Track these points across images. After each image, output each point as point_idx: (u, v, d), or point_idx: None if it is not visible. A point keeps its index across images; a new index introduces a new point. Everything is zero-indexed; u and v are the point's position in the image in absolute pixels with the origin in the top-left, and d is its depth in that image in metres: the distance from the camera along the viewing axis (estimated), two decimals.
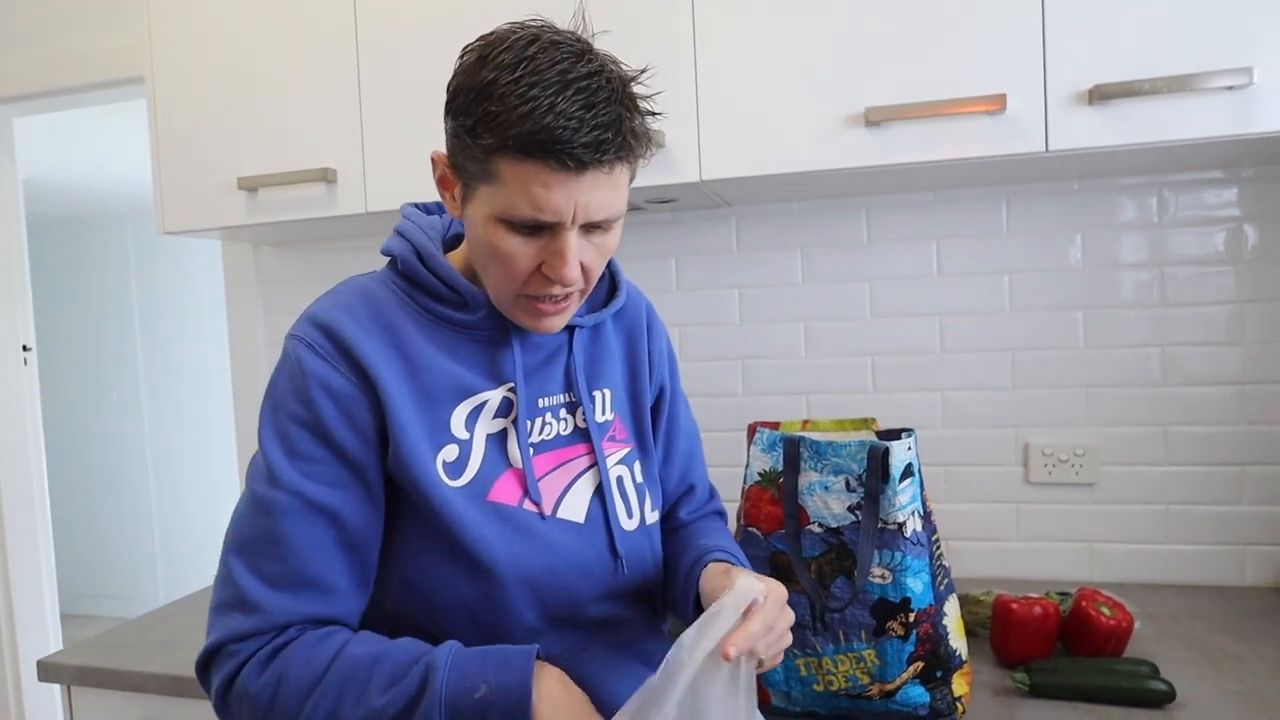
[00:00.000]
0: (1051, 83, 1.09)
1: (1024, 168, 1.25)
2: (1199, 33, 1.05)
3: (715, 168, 1.22)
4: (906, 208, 1.47)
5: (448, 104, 0.70)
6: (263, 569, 0.69)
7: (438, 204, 0.88)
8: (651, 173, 1.24)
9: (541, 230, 0.69)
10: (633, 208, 1.50)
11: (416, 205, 0.86)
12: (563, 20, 0.72)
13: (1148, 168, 1.31)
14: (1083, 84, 1.08)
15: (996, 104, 1.09)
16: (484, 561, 0.72)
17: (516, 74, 0.64)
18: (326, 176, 1.38)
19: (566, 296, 0.74)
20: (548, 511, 0.77)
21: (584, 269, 0.72)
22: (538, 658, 0.68)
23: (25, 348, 2.17)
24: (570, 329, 0.83)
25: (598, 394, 0.85)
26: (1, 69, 1.94)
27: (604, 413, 0.85)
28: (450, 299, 0.77)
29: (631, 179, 0.73)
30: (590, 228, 0.70)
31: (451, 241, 0.85)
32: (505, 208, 0.68)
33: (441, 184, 0.76)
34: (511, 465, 0.77)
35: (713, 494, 1.00)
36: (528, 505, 0.76)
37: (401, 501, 0.74)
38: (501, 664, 0.66)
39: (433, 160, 0.76)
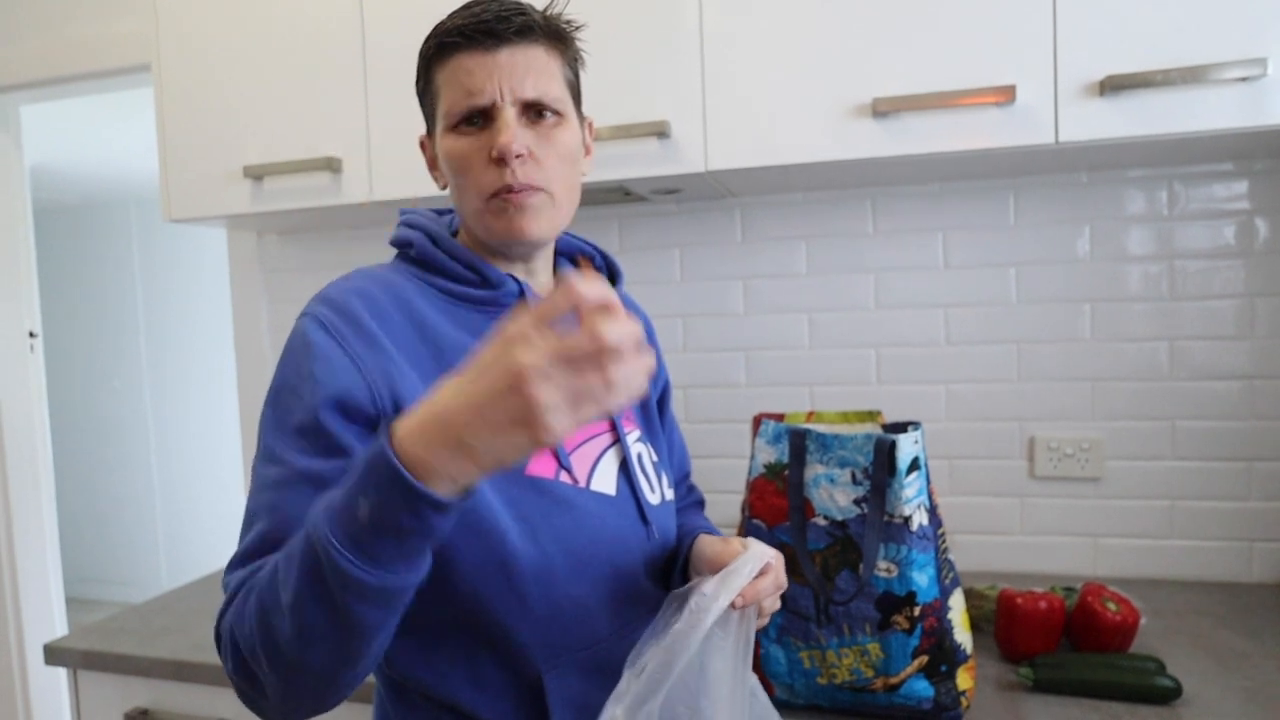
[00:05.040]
0: (1062, 73, 1.08)
1: (1032, 159, 1.24)
2: (1212, 23, 1.03)
3: (721, 158, 1.21)
4: (912, 199, 1.46)
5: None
6: (248, 540, 0.66)
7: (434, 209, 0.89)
8: (657, 162, 1.23)
9: (485, 123, 0.74)
10: (638, 198, 1.49)
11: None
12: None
13: (1157, 160, 1.30)
14: (1094, 74, 1.07)
15: (1006, 95, 1.08)
16: (522, 539, 0.71)
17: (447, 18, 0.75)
18: (331, 165, 1.37)
19: (530, 190, 0.74)
20: (582, 483, 0.77)
21: (537, 161, 0.75)
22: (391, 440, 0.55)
23: (31, 334, 2.18)
24: None
25: None
26: (9, 57, 1.93)
27: None
28: (469, 278, 0.78)
29: (571, 80, 0.79)
30: (533, 115, 0.75)
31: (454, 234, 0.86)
32: (448, 111, 0.75)
33: (430, 165, 0.82)
34: None
35: (693, 485, 1.06)
36: (564, 478, 0.76)
37: None
38: (361, 469, 0.54)
39: (420, 145, 0.82)
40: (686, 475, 1.05)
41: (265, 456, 0.69)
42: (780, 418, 1.04)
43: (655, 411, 0.94)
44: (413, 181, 1.35)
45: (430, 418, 0.52)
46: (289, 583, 0.56)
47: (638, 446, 0.86)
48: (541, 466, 0.75)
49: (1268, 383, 1.33)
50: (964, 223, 1.44)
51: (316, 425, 0.67)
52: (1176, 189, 1.35)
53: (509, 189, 0.73)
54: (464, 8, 0.74)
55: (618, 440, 0.83)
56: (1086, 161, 1.30)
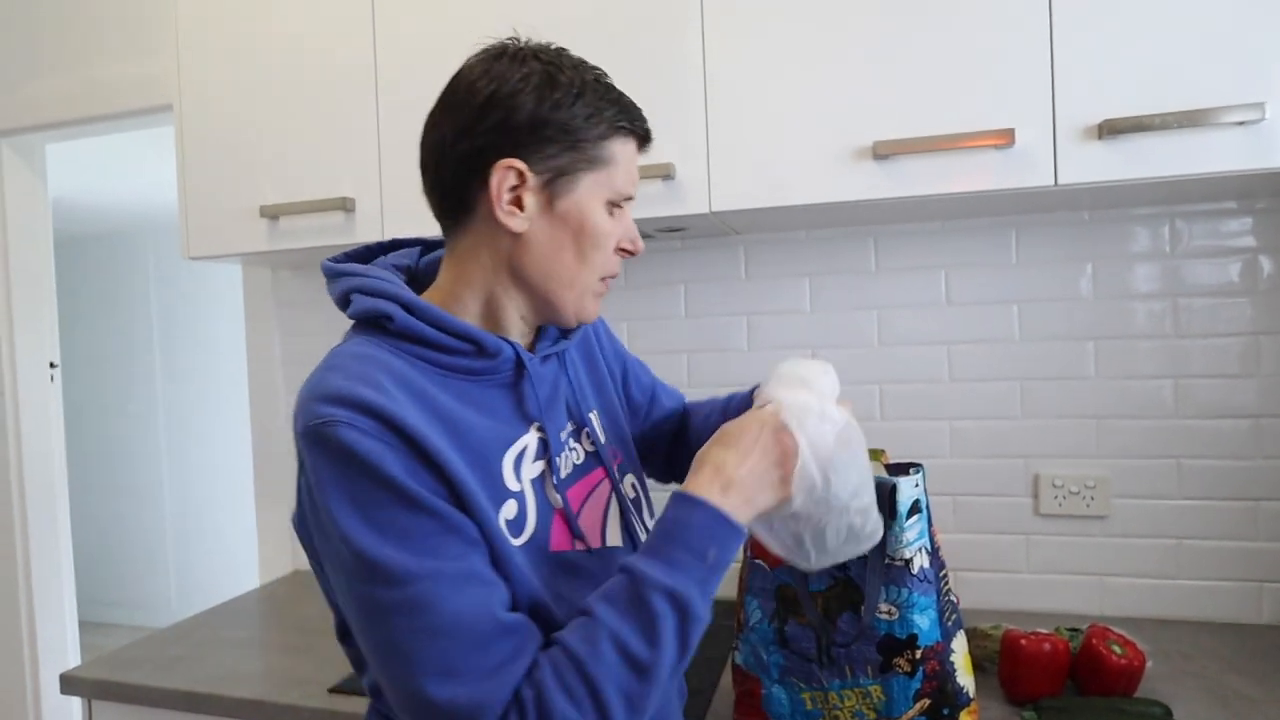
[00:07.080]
0: (1060, 117, 1.10)
1: (1033, 199, 1.25)
2: (1210, 67, 1.04)
3: (725, 199, 1.23)
4: (915, 237, 1.47)
5: (520, 115, 0.71)
6: (451, 667, 0.61)
7: (346, 253, 0.82)
8: (662, 203, 1.25)
9: (620, 209, 0.78)
10: (643, 235, 1.52)
11: (332, 259, 0.80)
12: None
13: (1160, 198, 1.31)
14: (1092, 118, 1.08)
15: (1005, 138, 1.10)
16: (562, 616, 0.69)
17: (585, 73, 0.75)
18: (345, 205, 1.41)
19: None
20: (595, 544, 0.78)
21: None
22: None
23: (51, 365, 2.21)
24: (560, 356, 0.85)
25: (592, 415, 0.87)
26: (36, 98, 1.99)
27: (602, 432, 0.87)
28: (463, 349, 0.72)
29: None
30: None
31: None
32: (617, 187, 0.76)
33: (513, 201, 0.72)
34: (555, 508, 0.75)
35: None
36: (577, 545, 0.76)
37: None
38: (698, 530, 0.68)
39: (502, 169, 0.71)
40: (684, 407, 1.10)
41: (389, 580, 0.62)
42: None
43: (625, 425, 0.93)
44: (423, 222, 1.36)
45: (729, 484, 0.70)
46: (650, 645, 0.63)
47: (628, 481, 0.87)
48: (560, 540, 0.75)
49: (1274, 421, 1.33)
50: (966, 260, 1.45)
51: (426, 521, 0.63)
52: (1179, 226, 1.36)
53: (613, 276, 0.79)
54: (625, 96, 0.77)
55: (615, 486, 0.84)
56: (1088, 200, 1.30)
